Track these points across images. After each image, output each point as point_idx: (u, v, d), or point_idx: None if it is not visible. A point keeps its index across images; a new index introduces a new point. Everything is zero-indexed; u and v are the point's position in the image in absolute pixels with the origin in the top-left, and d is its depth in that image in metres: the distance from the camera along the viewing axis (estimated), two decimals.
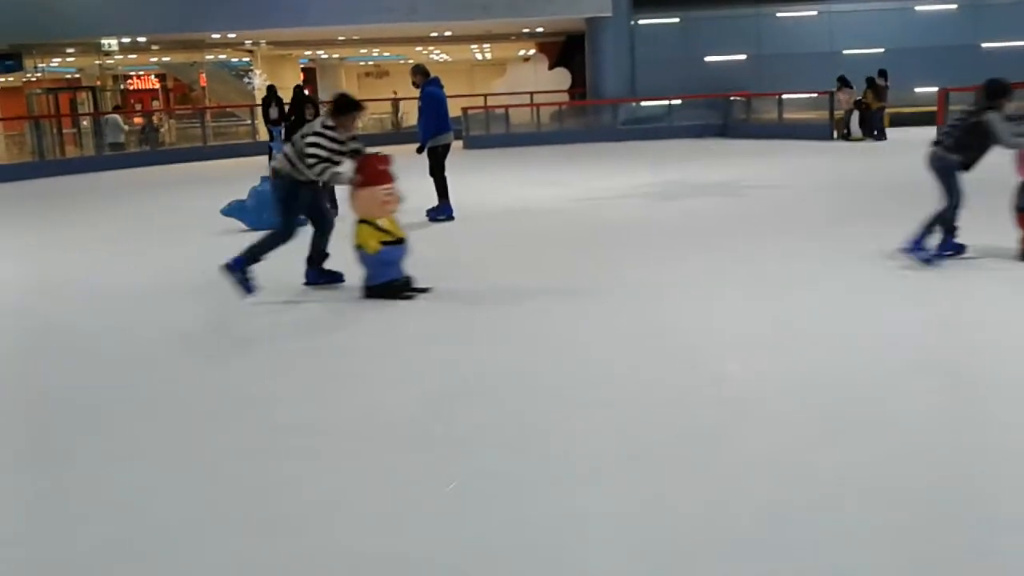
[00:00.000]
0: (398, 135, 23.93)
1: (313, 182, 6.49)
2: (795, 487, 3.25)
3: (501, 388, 4.51)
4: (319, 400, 4.46)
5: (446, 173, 10.20)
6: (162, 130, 25.22)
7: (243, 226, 9.63)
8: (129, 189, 16.32)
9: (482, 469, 3.54)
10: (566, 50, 28.79)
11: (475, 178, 14.17)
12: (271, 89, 18.27)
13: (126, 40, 24.19)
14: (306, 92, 11.28)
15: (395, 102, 27.90)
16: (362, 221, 6.31)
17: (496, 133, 22.63)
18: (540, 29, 27.09)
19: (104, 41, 23.80)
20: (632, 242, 8.50)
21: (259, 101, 21.62)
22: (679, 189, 12.13)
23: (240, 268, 6.34)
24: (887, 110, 19.34)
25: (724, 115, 22.09)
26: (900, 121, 21.18)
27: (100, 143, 21.82)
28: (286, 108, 15.16)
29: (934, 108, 18.04)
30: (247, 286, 6.34)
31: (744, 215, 9.82)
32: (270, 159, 17.67)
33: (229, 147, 23.03)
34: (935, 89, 18.34)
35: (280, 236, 6.46)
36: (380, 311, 6.24)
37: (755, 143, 19.24)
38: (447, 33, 27.39)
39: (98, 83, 29.65)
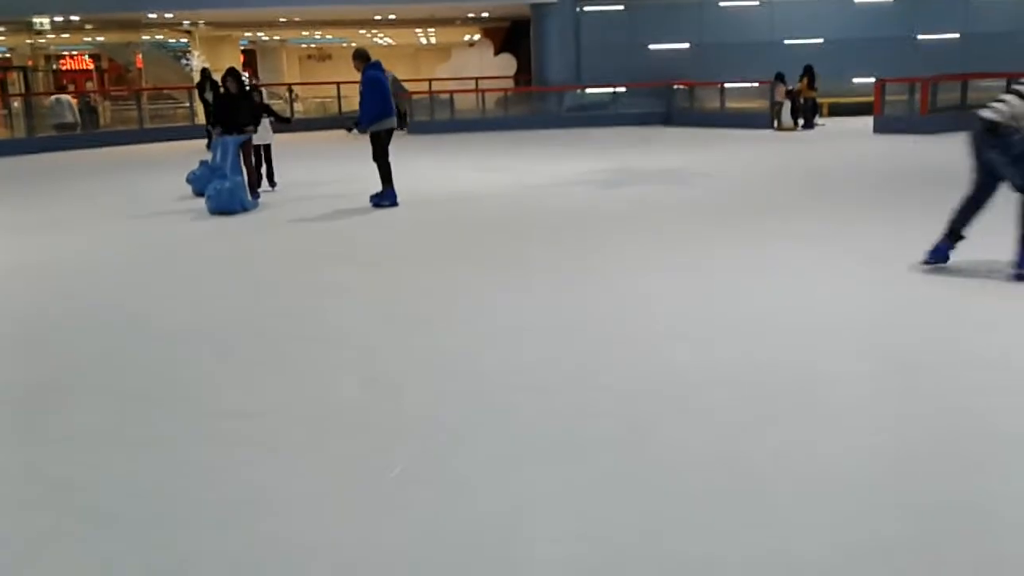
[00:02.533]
0: (341, 119, 23.66)
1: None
2: (730, 473, 3.29)
3: (446, 374, 4.50)
4: (261, 385, 4.40)
5: (390, 159, 10.10)
6: (97, 111, 24.52)
7: (188, 207, 9.44)
8: (63, 172, 15.88)
9: (427, 455, 3.53)
10: (511, 36, 28.72)
11: (419, 164, 14.09)
12: (204, 72, 17.92)
13: (59, 19, 23.46)
14: (243, 73, 11.03)
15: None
16: None
17: (440, 119, 22.50)
18: (485, 14, 26.97)
19: (36, 20, 23.04)
20: (576, 229, 8.52)
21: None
22: (622, 176, 12.20)
23: None
24: (819, 101, 19.87)
25: (667, 103, 22.27)
26: (838, 111, 21.61)
27: (32, 124, 21.15)
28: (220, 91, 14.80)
29: (871, 98, 18.42)
30: None
31: (684, 203, 9.91)
32: (209, 143, 17.37)
33: (166, 130, 22.50)
34: (872, 79, 18.71)
35: None
36: (324, 298, 6.19)
37: (698, 131, 19.44)
38: (391, 16, 27.10)
39: (30, 63, 28.76)
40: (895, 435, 3.59)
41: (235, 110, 10.76)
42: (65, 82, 32.39)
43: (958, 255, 6.16)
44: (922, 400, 3.95)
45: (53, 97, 21.87)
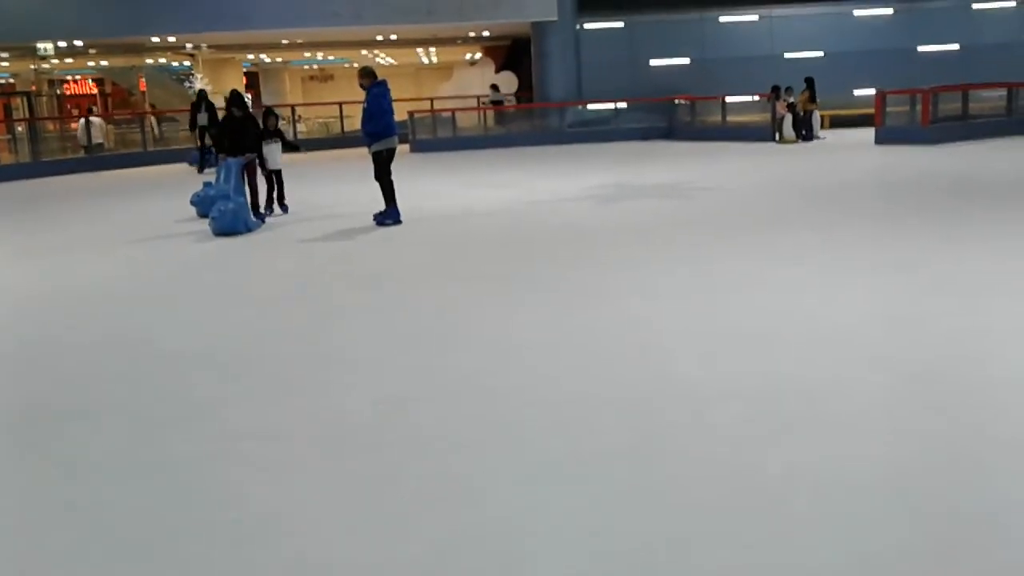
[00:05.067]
0: (343, 139, 23.75)
1: None
2: (744, 485, 3.28)
3: (456, 392, 4.49)
4: (273, 406, 4.39)
5: (392, 177, 10.12)
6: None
7: (192, 229, 9.45)
8: (68, 196, 15.93)
9: (436, 472, 3.52)
10: (512, 54, 28.83)
11: (422, 182, 14.12)
12: (200, 94, 18.05)
13: (63, 44, 23.61)
14: (244, 96, 11.05)
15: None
16: None
17: (443, 136, 22.58)
18: (486, 33, 27.09)
19: (40, 45, 23.19)
20: (579, 244, 8.53)
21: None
22: (624, 192, 12.22)
23: None
24: (819, 113, 19.95)
25: (669, 118, 22.32)
26: (839, 123, 21.63)
27: (37, 149, 21.26)
28: (219, 114, 14.79)
29: (872, 110, 18.44)
30: None
31: (687, 217, 9.92)
32: (200, 168, 17.48)
33: (170, 152, 22.56)
34: (873, 91, 18.74)
35: None
36: (331, 318, 6.20)
37: (700, 145, 19.48)
38: (392, 36, 27.24)
39: (33, 88, 28.94)
40: (908, 445, 3.58)
41: (241, 133, 10.78)
42: (69, 106, 32.60)
43: (962, 264, 6.15)
44: (934, 410, 3.93)
45: (84, 119, 21.91)
